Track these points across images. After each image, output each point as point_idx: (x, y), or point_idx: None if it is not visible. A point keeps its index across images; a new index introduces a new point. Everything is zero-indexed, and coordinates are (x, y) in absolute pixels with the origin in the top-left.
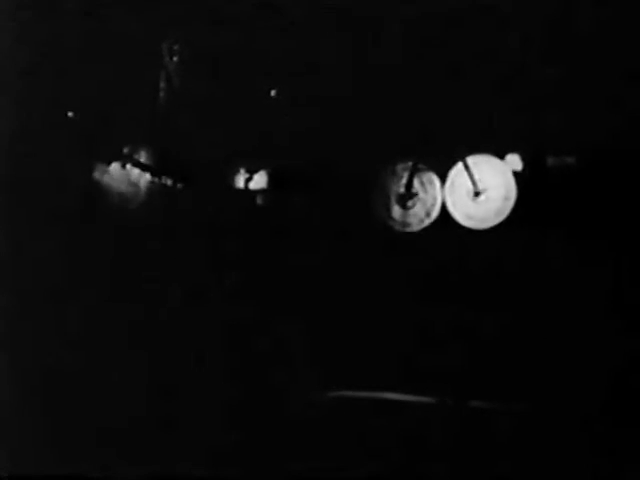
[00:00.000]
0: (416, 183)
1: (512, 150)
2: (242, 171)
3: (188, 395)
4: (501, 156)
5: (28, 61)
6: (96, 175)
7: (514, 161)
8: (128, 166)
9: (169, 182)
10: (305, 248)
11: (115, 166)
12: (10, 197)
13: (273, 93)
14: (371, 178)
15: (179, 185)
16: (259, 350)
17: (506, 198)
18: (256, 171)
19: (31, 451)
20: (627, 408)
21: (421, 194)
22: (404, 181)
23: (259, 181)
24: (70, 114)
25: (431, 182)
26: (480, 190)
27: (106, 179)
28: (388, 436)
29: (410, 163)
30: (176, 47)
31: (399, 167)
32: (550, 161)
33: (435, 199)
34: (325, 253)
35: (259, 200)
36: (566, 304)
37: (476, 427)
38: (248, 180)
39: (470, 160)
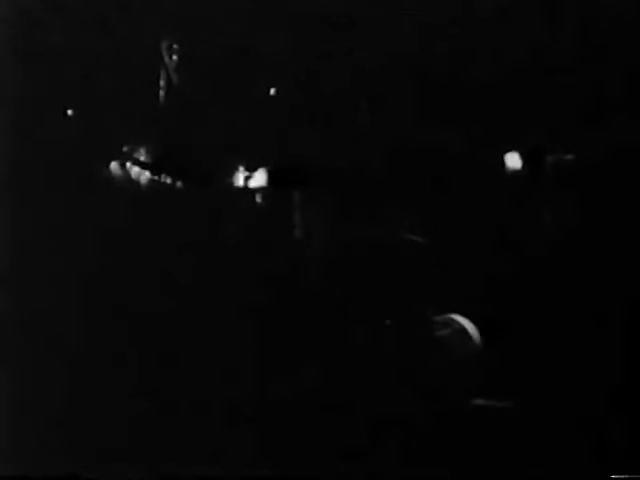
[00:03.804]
0: None
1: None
2: (242, 169)
3: (188, 394)
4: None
5: (26, 60)
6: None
7: (514, 159)
8: (128, 164)
9: (168, 180)
10: (306, 246)
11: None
12: (9, 197)
13: (273, 92)
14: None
15: (178, 183)
16: (259, 349)
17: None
18: (256, 169)
19: (31, 451)
20: (622, 409)
21: None
22: None
23: (259, 179)
24: (69, 112)
25: None
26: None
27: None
28: (388, 436)
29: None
30: (175, 46)
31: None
32: (549, 159)
33: None
34: (326, 251)
35: (259, 198)
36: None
37: (475, 427)
38: (248, 178)
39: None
